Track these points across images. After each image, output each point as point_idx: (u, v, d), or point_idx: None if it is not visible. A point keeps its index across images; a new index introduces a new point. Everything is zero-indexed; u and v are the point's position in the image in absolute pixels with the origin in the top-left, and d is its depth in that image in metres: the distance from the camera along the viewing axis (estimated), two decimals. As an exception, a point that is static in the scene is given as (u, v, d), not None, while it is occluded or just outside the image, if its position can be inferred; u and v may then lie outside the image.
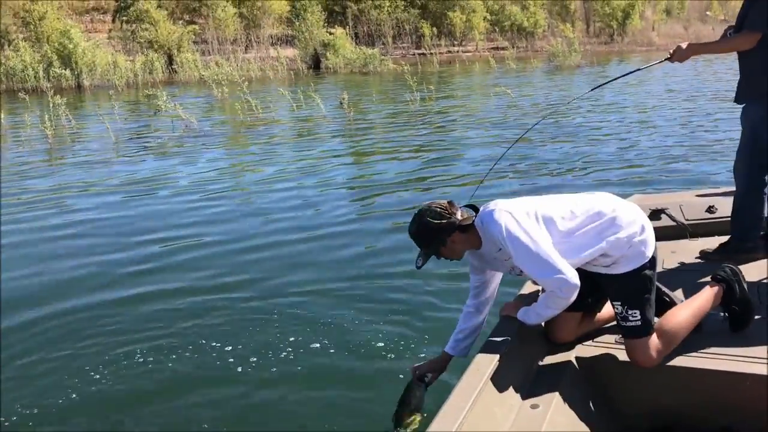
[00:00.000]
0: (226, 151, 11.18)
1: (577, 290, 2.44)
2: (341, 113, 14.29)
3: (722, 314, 2.72)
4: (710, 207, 4.20)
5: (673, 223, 4.08)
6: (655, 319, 2.58)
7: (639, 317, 2.52)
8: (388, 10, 36.17)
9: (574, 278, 2.42)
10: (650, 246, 2.59)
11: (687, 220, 4.10)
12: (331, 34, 31.32)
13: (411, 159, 9.80)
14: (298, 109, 15.29)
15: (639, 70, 4.43)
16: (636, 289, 2.58)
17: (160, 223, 6.74)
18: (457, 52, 35.62)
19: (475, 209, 2.63)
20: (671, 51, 3.69)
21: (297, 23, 31.67)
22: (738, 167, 3.66)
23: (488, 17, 39.71)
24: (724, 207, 4.03)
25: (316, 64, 29.70)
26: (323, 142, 11.51)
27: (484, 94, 17.76)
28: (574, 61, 26.09)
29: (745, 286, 2.70)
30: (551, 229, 2.52)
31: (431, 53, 32.29)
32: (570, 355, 2.71)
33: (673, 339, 2.56)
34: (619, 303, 2.57)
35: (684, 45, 3.63)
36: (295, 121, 14.28)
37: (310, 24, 30.83)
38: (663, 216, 4.15)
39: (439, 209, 2.55)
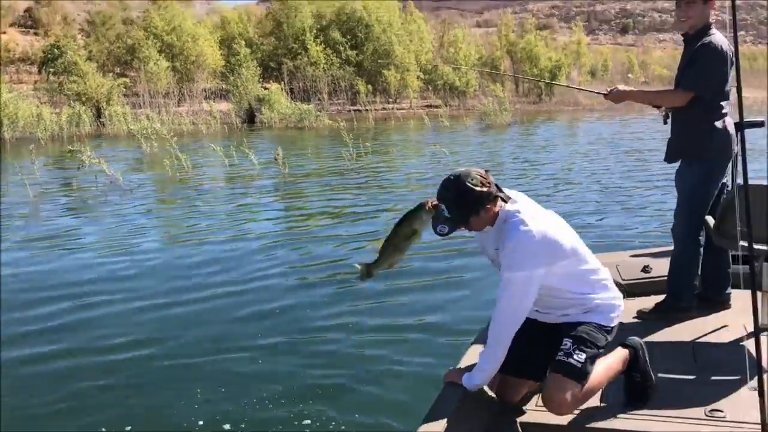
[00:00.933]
0: (151, 208, 10.73)
1: (524, 314, 2.53)
2: (275, 168, 14.03)
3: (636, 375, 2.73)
4: (645, 267, 4.27)
5: None
6: None
7: (582, 361, 2.53)
8: (323, 67, 36.52)
9: (532, 293, 2.50)
10: (618, 319, 2.71)
11: (624, 280, 4.14)
12: (266, 89, 31.28)
13: (345, 214, 9.61)
14: (230, 165, 14.94)
15: (580, 89, 4.47)
16: (593, 338, 2.59)
17: (70, 280, 6.43)
18: (392, 109, 36.09)
19: (499, 189, 2.60)
20: (608, 89, 3.82)
21: (232, 78, 31.51)
22: (675, 228, 3.73)
23: (422, 76, 40.57)
24: (659, 267, 4.15)
25: (250, 118, 29.48)
26: (254, 198, 11.22)
27: (420, 151, 17.86)
28: (505, 120, 26.74)
29: (648, 362, 2.74)
30: (569, 257, 2.59)
31: (367, 110, 32.59)
32: (515, 421, 2.67)
33: (588, 393, 2.58)
34: (571, 341, 2.58)
35: (622, 87, 3.75)
36: (226, 177, 13.92)
37: (245, 79, 30.70)
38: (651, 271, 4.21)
39: (480, 177, 2.52)
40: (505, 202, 2.57)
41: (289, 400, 3.90)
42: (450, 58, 42.57)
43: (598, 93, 4.13)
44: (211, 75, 37.29)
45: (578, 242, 2.67)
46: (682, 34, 3.69)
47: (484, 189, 2.50)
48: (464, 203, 2.51)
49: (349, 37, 38.83)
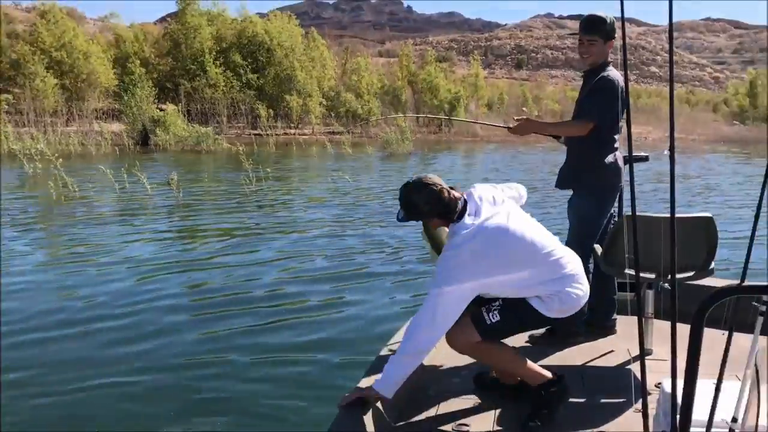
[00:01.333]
0: (30, 232, 9.86)
1: (434, 341, 2.68)
2: (169, 192, 13.36)
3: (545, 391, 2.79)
4: None
5: None
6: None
7: (493, 321, 2.74)
8: (223, 90, 35.73)
9: (444, 323, 2.62)
10: (567, 312, 2.82)
11: None
12: (161, 110, 30.14)
13: (240, 240, 9.19)
14: (120, 188, 14.10)
15: (482, 124, 4.47)
16: (521, 314, 2.78)
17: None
18: (294, 134, 35.74)
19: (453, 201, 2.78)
20: (514, 121, 3.88)
21: (125, 97, 30.15)
22: None
23: (324, 102, 40.49)
24: None
25: (144, 140, 28.20)
26: (144, 223, 10.57)
27: (321, 177, 17.60)
28: (407, 149, 26.98)
29: (562, 399, 2.81)
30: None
31: (268, 134, 32.08)
32: None
33: (483, 351, 2.79)
34: (500, 303, 2.77)
35: (525, 119, 3.87)
36: (115, 201, 13.09)
37: (140, 99, 29.46)
38: None
39: (432, 195, 2.75)
40: (454, 218, 2.76)
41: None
42: (352, 85, 42.80)
43: (501, 126, 4.25)
44: (103, 94, 35.69)
45: (536, 247, 2.76)
46: (584, 71, 3.87)
47: (427, 208, 2.75)
48: (411, 211, 2.82)
49: (250, 60, 38.24)
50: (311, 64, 40.69)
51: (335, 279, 7.20)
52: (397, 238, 9.42)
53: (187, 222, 10.91)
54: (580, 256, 3.58)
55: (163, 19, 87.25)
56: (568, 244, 3.70)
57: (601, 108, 3.61)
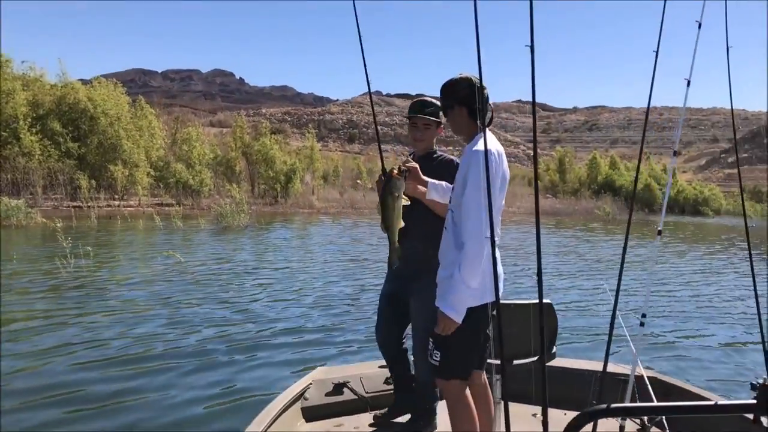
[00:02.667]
0: None
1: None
2: (-32, 277, 11.65)
3: None
4: (388, 378, 4.37)
5: (355, 397, 4.28)
6: None
7: (437, 357, 3.03)
8: (39, 159, 32.86)
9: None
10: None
11: (367, 392, 4.30)
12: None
13: (57, 330, 8.03)
14: None
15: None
16: (453, 337, 2.98)
17: None
18: (119, 206, 33.58)
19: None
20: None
21: None
22: (415, 348, 3.89)
23: (152, 173, 38.64)
24: None
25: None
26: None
27: (150, 255, 16.31)
28: (242, 222, 26.17)
29: None
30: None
31: (89, 206, 29.83)
32: None
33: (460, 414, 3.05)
34: (432, 345, 3.12)
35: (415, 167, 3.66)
36: None
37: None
38: (345, 390, 4.30)
39: (474, 84, 3.02)
40: (482, 123, 2.89)
41: None
42: (183, 155, 41.37)
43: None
44: None
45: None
46: (413, 152, 3.94)
47: (465, 92, 3.06)
48: (448, 94, 3.17)
49: (71, 128, 35.68)
50: (138, 133, 38.83)
51: (133, 362, 6.73)
52: (226, 319, 8.74)
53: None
54: (425, 347, 3.52)
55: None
56: (414, 336, 3.80)
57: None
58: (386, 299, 4.01)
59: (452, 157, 3.80)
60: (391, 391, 4.26)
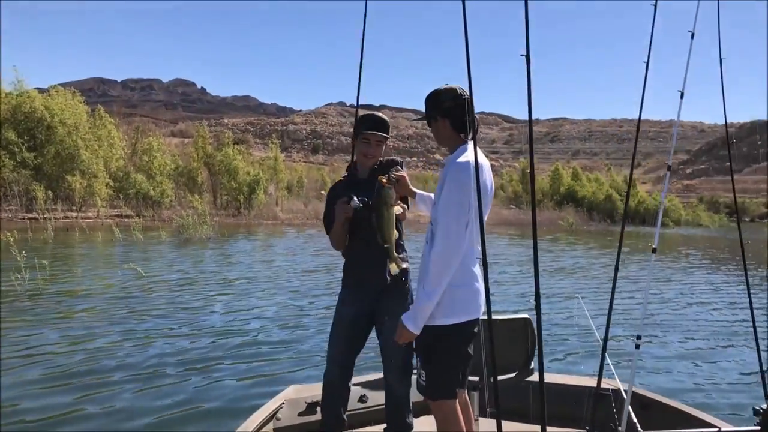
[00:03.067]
0: None
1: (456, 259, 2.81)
2: None
3: None
4: (362, 396, 4.30)
5: None
6: None
7: (424, 378, 2.98)
8: (-7, 169, 31.87)
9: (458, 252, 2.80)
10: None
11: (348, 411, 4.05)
12: None
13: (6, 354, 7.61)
14: None
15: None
16: (436, 355, 3.03)
17: None
18: (76, 218, 32.71)
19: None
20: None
21: None
22: (394, 365, 3.79)
23: (111, 183, 37.79)
24: (376, 396, 4.27)
25: None
26: None
27: (110, 269, 15.79)
28: (205, 234, 25.67)
29: None
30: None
31: (45, 218, 28.96)
32: None
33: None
34: (419, 364, 3.09)
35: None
36: None
37: None
38: (318, 409, 4.12)
39: (459, 96, 3.00)
40: (465, 135, 3.02)
41: None
42: (143, 166, 40.61)
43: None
44: None
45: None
46: (353, 163, 3.97)
47: (449, 104, 3.02)
48: (432, 105, 3.12)
49: (27, 137, 34.69)
50: (97, 143, 37.99)
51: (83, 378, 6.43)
52: (185, 334, 8.42)
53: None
54: (408, 364, 3.66)
55: None
56: (395, 352, 3.61)
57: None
58: (351, 323, 3.73)
59: (395, 158, 3.80)
60: (367, 409, 4.19)
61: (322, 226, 3.96)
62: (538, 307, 2.73)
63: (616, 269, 4.47)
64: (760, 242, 33.28)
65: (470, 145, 2.98)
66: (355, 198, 3.62)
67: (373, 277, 3.65)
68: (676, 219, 72.73)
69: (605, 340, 4.25)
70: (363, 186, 3.68)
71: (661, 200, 4.74)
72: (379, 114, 3.81)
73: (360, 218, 3.63)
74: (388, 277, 3.55)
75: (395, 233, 3.36)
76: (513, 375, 3.87)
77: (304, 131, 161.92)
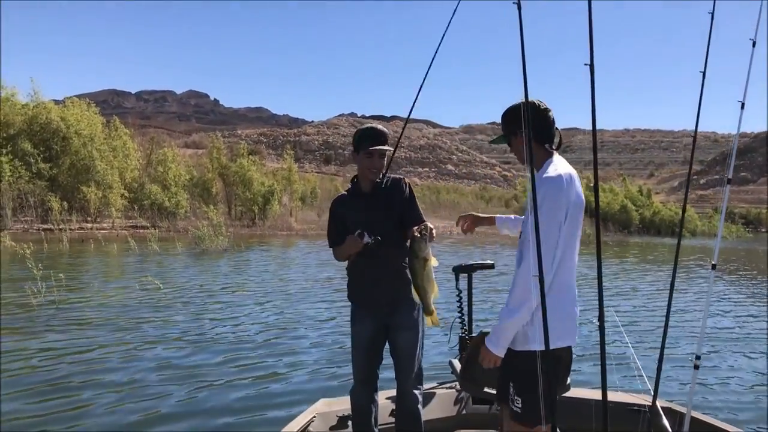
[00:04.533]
0: None
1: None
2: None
3: None
4: (393, 410, 4.15)
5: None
6: None
7: (519, 405, 2.88)
8: (9, 180, 31.80)
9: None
10: None
11: (379, 425, 4.02)
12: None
13: (28, 369, 7.36)
14: None
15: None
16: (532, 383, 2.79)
17: None
18: (91, 229, 32.63)
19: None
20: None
21: None
22: (410, 377, 3.92)
23: (126, 194, 37.74)
24: (384, 408, 4.23)
25: None
26: None
27: (127, 283, 15.55)
28: (221, 245, 25.46)
29: None
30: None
31: (60, 229, 28.88)
32: None
33: None
34: (512, 390, 2.94)
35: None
36: None
37: None
38: (350, 423, 4.04)
39: (538, 107, 2.95)
40: (549, 146, 2.96)
41: None
42: (159, 176, 40.54)
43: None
44: None
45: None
46: (355, 177, 3.98)
47: (529, 115, 2.69)
48: (509, 120, 3.07)
49: (42, 148, 34.68)
50: (112, 154, 37.94)
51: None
52: (209, 347, 8.15)
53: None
54: (420, 376, 3.86)
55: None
56: (407, 381, 3.78)
57: None
58: (369, 342, 3.87)
59: (399, 176, 3.85)
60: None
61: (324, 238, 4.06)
62: (602, 328, 2.65)
63: (672, 285, 4.24)
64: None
65: (556, 156, 2.93)
66: (367, 234, 3.67)
67: (382, 296, 3.76)
68: (692, 229, 71.97)
69: (661, 359, 4.13)
70: (365, 200, 3.80)
71: (721, 216, 4.52)
72: (378, 126, 3.81)
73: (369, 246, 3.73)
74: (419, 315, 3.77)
75: (434, 287, 3.29)
76: None
77: (316, 142, 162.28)
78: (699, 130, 4.41)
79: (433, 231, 3.38)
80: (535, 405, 2.72)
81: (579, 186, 2.91)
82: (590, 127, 2.65)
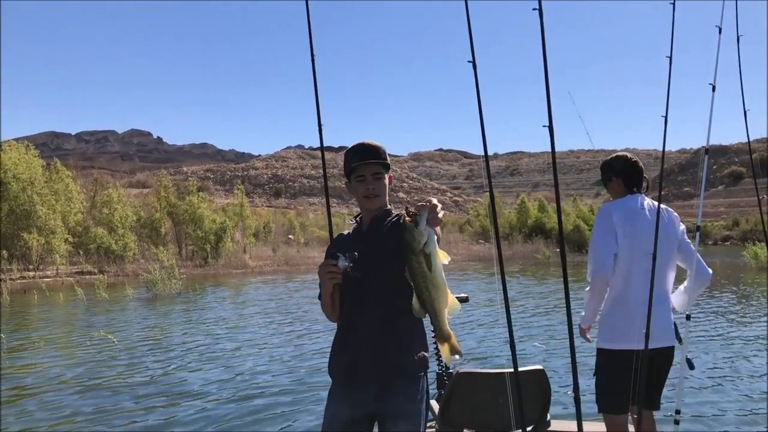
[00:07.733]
0: None
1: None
2: None
3: None
4: None
5: None
6: None
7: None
8: (-59, 230, 29.95)
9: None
10: None
11: None
12: None
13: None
14: None
15: None
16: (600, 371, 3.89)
17: None
18: (34, 277, 30.93)
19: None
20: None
21: None
22: None
23: (70, 239, 36.05)
24: None
25: None
26: None
27: (78, 338, 14.35)
28: (175, 289, 24.24)
29: None
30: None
31: (0, 279, 27.19)
32: None
33: None
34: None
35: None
36: None
37: None
38: None
39: (628, 159, 4.01)
40: (638, 188, 4.03)
41: None
42: (104, 219, 38.96)
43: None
44: None
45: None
46: (359, 215, 3.07)
47: (620, 166, 4.05)
48: (606, 171, 4.16)
49: (-22, 195, 32.91)
50: (54, 198, 36.30)
51: None
52: (169, 402, 7.26)
53: None
54: None
55: None
56: None
57: None
58: (343, 428, 2.71)
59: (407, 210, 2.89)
60: None
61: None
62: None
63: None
64: (733, 266, 33.20)
65: (639, 195, 3.96)
66: (342, 256, 2.55)
67: (368, 362, 2.62)
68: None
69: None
70: (367, 237, 2.78)
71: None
72: (369, 141, 2.81)
73: (351, 279, 2.60)
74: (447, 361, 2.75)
75: (446, 296, 2.30)
76: (530, 428, 3.63)
77: (265, 176, 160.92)
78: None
79: (438, 209, 2.36)
80: (600, 394, 3.62)
81: (650, 215, 3.86)
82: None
